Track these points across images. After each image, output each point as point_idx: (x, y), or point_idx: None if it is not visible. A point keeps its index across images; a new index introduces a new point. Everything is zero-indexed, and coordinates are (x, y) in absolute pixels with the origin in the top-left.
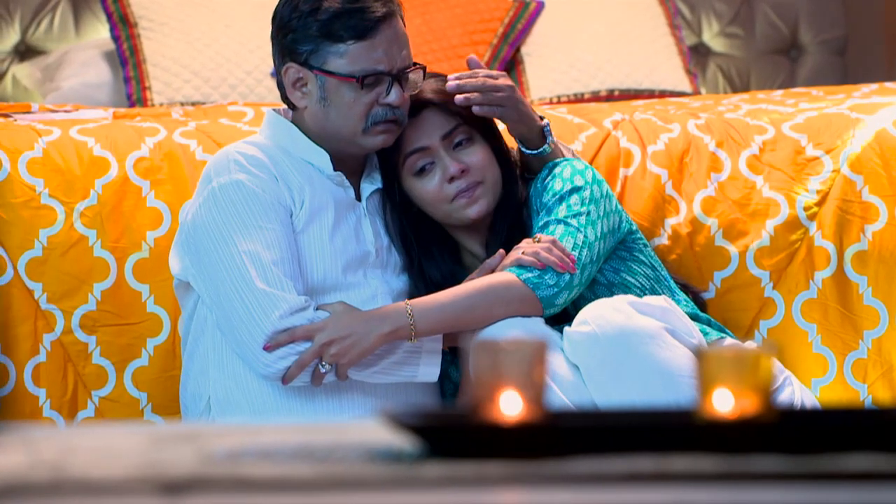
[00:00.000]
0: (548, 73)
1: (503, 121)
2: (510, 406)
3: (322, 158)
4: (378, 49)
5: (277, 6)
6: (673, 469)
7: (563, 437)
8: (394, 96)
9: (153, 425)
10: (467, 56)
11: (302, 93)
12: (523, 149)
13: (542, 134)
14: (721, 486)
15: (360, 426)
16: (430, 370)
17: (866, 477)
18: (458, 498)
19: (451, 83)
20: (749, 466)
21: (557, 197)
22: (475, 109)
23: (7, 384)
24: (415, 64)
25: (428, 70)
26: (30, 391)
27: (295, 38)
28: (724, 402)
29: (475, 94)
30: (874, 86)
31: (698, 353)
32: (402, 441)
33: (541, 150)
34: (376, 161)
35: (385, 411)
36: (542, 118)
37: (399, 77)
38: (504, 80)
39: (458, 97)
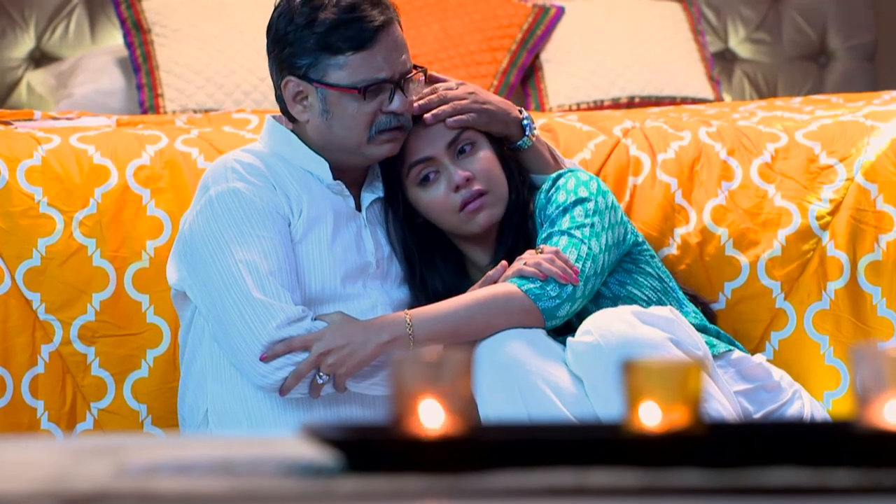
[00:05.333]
0: (567, 79)
1: (475, 126)
2: (432, 419)
3: (321, 167)
4: (378, 57)
5: (272, 19)
6: (593, 483)
7: (484, 450)
8: (397, 103)
9: (78, 439)
10: (428, 72)
11: (303, 106)
12: (508, 146)
13: (521, 128)
14: (642, 500)
15: (285, 440)
16: None
17: (789, 491)
18: None
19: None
20: (671, 480)
21: (562, 209)
22: (449, 122)
23: (4, 396)
24: (415, 67)
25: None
26: (27, 403)
27: (292, 51)
28: (651, 416)
29: (441, 109)
30: (895, 93)
31: (625, 366)
32: (324, 455)
33: (520, 143)
34: (377, 170)
35: (306, 425)
36: (521, 111)
37: (401, 83)
38: (463, 88)
39: (427, 116)
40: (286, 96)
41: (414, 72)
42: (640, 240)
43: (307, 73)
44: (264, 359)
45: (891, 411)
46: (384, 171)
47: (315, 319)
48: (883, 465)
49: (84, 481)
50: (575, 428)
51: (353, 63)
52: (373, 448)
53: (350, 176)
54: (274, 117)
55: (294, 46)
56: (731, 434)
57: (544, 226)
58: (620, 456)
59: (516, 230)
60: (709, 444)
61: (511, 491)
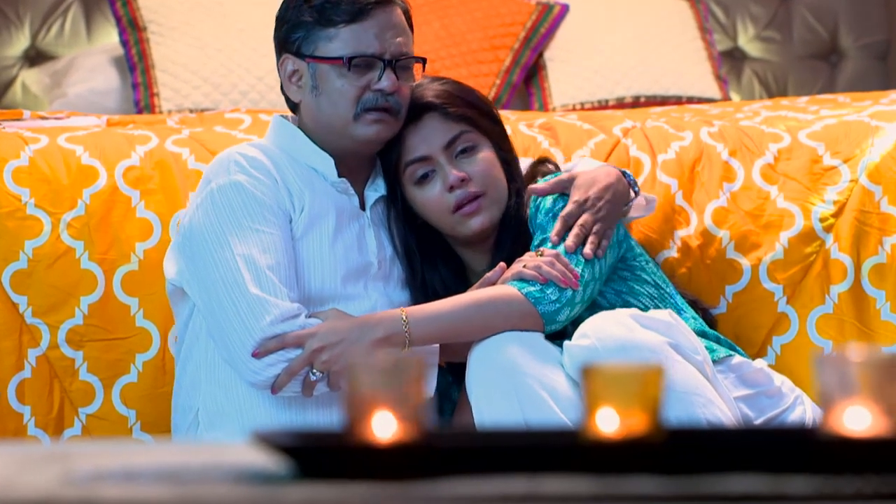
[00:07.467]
0: (571, 79)
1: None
2: (384, 425)
3: (326, 164)
4: (370, 32)
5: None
6: (546, 490)
7: (436, 457)
8: (385, 82)
9: (25, 445)
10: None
11: (298, 86)
12: None
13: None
14: None
15: (235, 447)
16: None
17: (747, 499)
18: None
19: None
20: (626, 488)
21: (552, 214)
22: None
23: None
24: (415, 58)
25: (443, 76)
26: (14, 408)
27: (289, 26)
28: (608, 421)
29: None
30: None
31: (584, 371)
32: (274, 462)
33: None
34: (380, 168)
35: (258, 431)
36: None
37: (393, 64)
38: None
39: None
40: (283, 78)
41: (415, 64)
42: (633, 243)
43: (300, 47)
44: (257, 355)
45: (852, 418)
46: (384, 170)
47: (310, 317)
48: (843, 472)
49: (29, 489)
50: (528, 434)
51: (343, 35)
52: (323, 455)
53: (355, 173)
54: (282, 116)
55: (291, 22)
56: (689, 440)
57: (537, 233)
58: (575, 462)
59: (514, 237)
60: (665, 451)
61: (463, 498)
